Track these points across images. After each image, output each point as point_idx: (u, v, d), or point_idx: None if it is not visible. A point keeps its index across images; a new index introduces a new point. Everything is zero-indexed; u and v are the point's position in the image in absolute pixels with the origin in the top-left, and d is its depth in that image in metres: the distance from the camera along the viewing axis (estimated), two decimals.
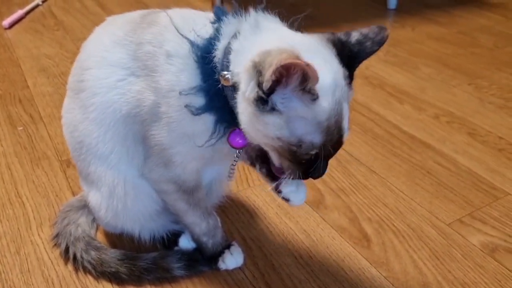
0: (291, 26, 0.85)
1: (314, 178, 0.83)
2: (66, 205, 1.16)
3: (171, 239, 1.07)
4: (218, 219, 1.07)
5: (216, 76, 0.81)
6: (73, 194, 1.25)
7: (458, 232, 1.17)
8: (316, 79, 0.70)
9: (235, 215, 1.21)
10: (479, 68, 2.04)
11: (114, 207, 0.97)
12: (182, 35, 0.82)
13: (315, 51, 0.78)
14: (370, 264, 1.08)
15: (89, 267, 1.02)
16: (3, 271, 1.03)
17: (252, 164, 0.99)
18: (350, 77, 0.81)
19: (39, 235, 1.13)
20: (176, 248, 1.07)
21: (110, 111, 0.89)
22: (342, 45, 0.81)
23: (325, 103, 0.75)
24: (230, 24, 0.82)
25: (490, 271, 1.07)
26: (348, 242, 1.14)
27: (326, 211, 1.23)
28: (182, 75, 0.82)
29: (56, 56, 2.03)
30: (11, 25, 2.32)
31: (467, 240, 1.15)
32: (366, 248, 1.12)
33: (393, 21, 2.55)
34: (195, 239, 1.05)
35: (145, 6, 2.52)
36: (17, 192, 1.26)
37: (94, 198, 1.00)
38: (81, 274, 1.03)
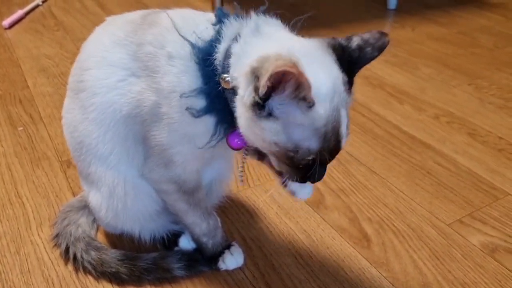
0: (292, 28, 0.84)
1: (312, 182, 0.83)
2: (66, 205, 1.16)
3: (171, 239, 1.07)
4: (218, 219, 1.07)
5: (217, 78, 0.81)
6: (73, 194, 1.25)
7: (458, 232, 1.17)
8: (309, 88, 0.69)
9: (235, 215, 1.21)
10: (479, 68, 2.04)
11: (114, 207, 0.97)
12: (183, 37, 0.82)
13: (314, 57, 0.78)
14: (370, 264, 1.08)
15: (89, 267, 1.02)
16: (3, 271, 1.04)
17: (260, 159, 0.99)
18: (350, 83, 0.80)
19: (39, 235, 1.13)
20: (176, 248, 1.07)
21: (110, 112, 0.89)
22: (343, 50, 0.81)
23: (322, 109, 0.74)
24: (231, 26, 0.82)
25: (490, 271, 1.07)
26: (348, 242, 1.14)
27: (326, 211, 1.23)
28: (184, 76, 0.82)
29: (56, 56, 2.03)
30: (11, 25, 2.32)
31: (467, 240, 1.15)
32: (366, 248, 1.12)
33: (393, 21, 2.55)
34: (195, 239, 1.05)
35: (145, 6, 2.52)
36: (17, 192, 1.26)
37: (94, 198, 1.00)
38: (81, 274, 1.03)
